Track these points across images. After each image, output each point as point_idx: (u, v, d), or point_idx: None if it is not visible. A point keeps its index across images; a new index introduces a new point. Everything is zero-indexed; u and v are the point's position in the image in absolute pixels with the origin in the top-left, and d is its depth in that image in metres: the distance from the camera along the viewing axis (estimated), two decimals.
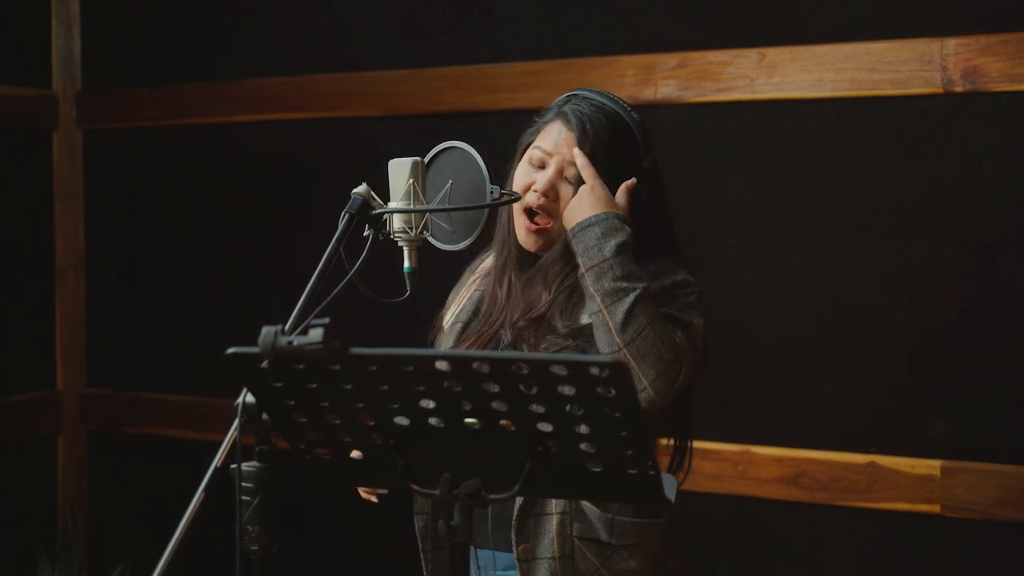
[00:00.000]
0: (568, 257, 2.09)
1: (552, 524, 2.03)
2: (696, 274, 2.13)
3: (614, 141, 2.10)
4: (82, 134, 4.05)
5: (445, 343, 2.21)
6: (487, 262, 2.27)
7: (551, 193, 2.10)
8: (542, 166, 2.13)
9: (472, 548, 2.09)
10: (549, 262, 2.13)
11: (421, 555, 2.16)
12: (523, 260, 2.18)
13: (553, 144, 2.12)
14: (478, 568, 2.14)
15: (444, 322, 2.26)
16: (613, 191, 2.08)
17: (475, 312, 2.22)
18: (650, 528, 2.07)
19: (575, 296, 2.09)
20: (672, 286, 2.07)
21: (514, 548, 2.03)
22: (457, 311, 2.24)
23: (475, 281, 2.28)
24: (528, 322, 2.10)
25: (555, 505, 2.03)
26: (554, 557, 2.01)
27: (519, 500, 2.02)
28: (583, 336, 2.04)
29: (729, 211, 3.13)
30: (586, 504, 2.03)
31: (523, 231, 2.14)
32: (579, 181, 2.08)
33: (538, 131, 2.17)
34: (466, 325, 2.20)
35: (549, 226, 2.11)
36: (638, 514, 2.05)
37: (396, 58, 3.56)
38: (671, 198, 2.21)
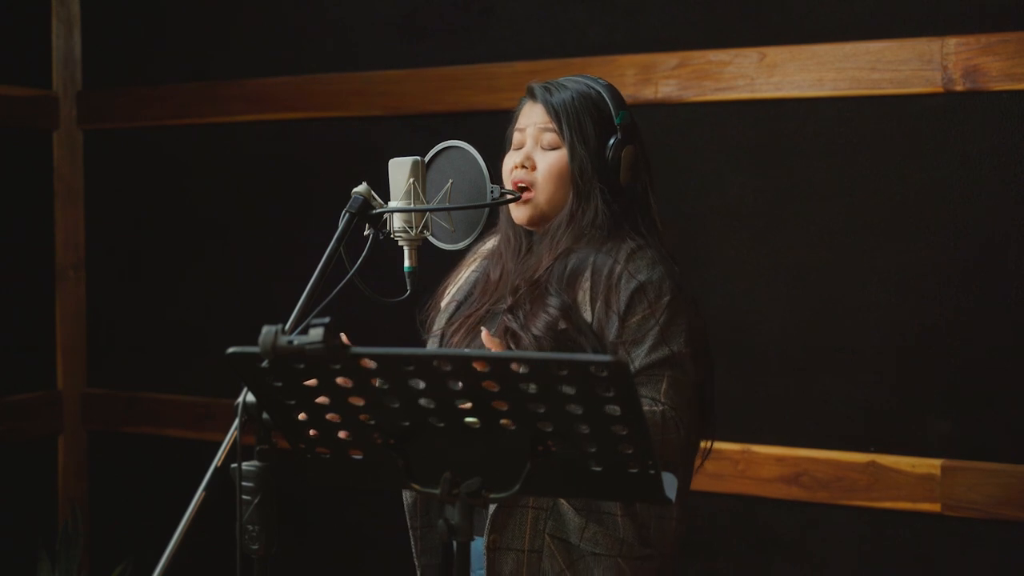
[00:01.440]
0: (568, 224, 2.13)
1: (526, 517, 2.02)
2: (678, 261, 2.13)
3: (579, 98, 2.16)
4: (82, 134, 4.05)
5: (439, 322, 2.23)
6: (489, 243, 2.30)
7: (528, 163, 2.16)
8: (521, 146, 2.19)
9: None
10: (553, 227, 2.16)
11: (410, 532, 2.15)
12: (520, 245, 2.21)
13: (524, 119, 2.20)
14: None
15: (442, 302, 2.28)
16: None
17: (470, 293, 2.24)
18: (626, 545, 2.04)
19: (570, 264, 2.10)
20: (638, 289, 2.04)
21: (485, 538, 2.03)
22: (454, 291, 2.27)
23: (475, 262, 2.30)
24: (527, 286, 2.11)
25: (531, 499, 2.02)
26: (523, 550, 2.00)
27: None
28: (574, 313, 2.05)
29: (729, 211, 3.13)
30: (563, 503, 2.01)
31: (514, 206, 2.18)
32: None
33: (515, 119, 2.24)
34: (459, 305, 2.23)
35: (532, 195, 2.16)
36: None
37: (396, 58, 3.56)
38: (668, 197, 2.22)
